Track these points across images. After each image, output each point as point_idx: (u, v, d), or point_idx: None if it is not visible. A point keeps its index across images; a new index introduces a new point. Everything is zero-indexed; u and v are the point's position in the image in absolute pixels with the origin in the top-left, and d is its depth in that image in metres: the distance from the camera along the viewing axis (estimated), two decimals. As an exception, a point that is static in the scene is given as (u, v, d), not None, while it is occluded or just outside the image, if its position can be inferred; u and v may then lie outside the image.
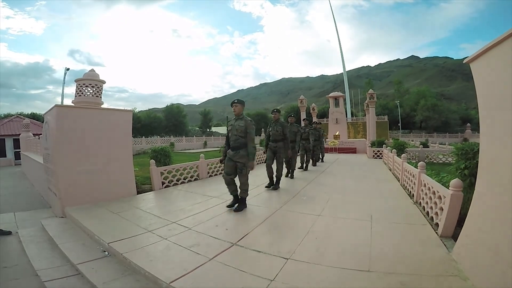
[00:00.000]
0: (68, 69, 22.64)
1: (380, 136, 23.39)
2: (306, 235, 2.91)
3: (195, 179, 6.82)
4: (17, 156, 14.83)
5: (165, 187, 6.00)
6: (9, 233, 3.58)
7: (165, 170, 6.13)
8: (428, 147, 13.93)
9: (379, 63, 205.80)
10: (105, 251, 2.79)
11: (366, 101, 22.47)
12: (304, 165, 8.07)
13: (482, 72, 2.15)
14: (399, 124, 40.47)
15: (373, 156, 12.22)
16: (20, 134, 13.71)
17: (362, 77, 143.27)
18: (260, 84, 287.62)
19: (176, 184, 6.24)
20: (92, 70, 5.14)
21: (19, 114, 24.27)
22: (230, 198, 4.57)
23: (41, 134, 7.30)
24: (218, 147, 24.05)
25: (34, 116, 28.81)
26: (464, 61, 2.34)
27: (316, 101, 45.01)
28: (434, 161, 11.13)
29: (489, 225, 1.95)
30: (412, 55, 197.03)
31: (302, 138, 7.60)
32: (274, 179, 5.49)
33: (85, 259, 2.57)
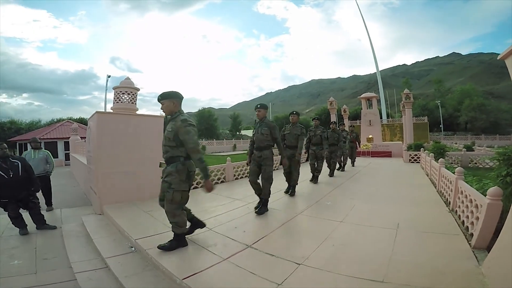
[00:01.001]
0: (109, 76, 24.79)
1: (419, 139, 21.87)
2: (323, 242, 2.85)
3: (222, 182, 7.04)
4: (67, 157, 16.44)
5: (193, 189, 6.25)
6: (54, 227, 4.02)
7: (195, 172, 6.38)
8: (473, 150, 12.69)
9: (416, 61, 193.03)
10: (132, 247, 3.02)
11: (402, 102, 21.19)
12: (315, 174, 6.49)
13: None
14: (441, 126, 37.42)
15: (410, 160, 11.44)
16: (69, 137, 15.22)
17: (398, 76, 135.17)
18: (289, 86, 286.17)
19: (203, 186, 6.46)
20: (128, 78, 5.56)
21: (69, 119, 27.01)
22: (253, 201, 4.65)
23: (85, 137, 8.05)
24: (247, 150, 24.35)
25: (81, 121, 31.67)
26: (498, 58, 2.13)
27: (348, 103, 43.45)
28: (480, 166, 10.13)
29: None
30: (453, 52, 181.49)
31: (312, 143, 6.47)
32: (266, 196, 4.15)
33: (114, 254, 2.81)
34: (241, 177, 7.64)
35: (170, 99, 2.76)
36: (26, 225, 3.82)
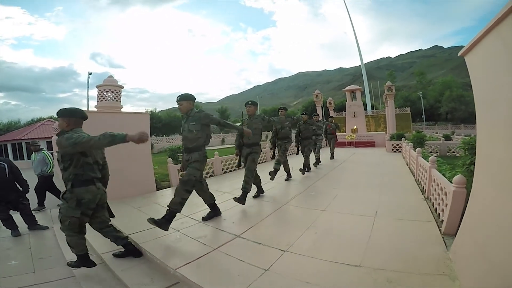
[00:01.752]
0: (91, 73, 24.04)
1: (402, 129, 22.62)
2: (306, 230, 3.05)
3: (210, 176, 7.16)
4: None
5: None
6: (46, 227, 4.03)
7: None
8: (451, 139, 13.32)
9: (400, 54, 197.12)
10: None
11: (384, 94, 21.80)
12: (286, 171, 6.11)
13: (476, 65, 2.07)
14: (423, 116, 38.68)
15: (392, 150, 11.89)
16: (51, 136, 14.74)
17: (383, 69, 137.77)
18: (276, 79, 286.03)
19: (191, 180, 6.57)
20: (111, 76, 5.52)
21: (50, 118, 25.99)
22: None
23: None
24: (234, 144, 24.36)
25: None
26: (458, 54, 2.25)
27: (334, 95, 44.01)
28: (457, 155, 10.66)
29: (481, 224, 1.93)
30: (435, 45, 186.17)
31: (279, 137, 5.66)
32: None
33: (108, 249, 2.88)
34: (230, 171, 7.77)
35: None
36: (17, 227, 3.81)
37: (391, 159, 9.51)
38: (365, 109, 27.04)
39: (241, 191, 4.07)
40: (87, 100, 24.45)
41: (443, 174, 3.72)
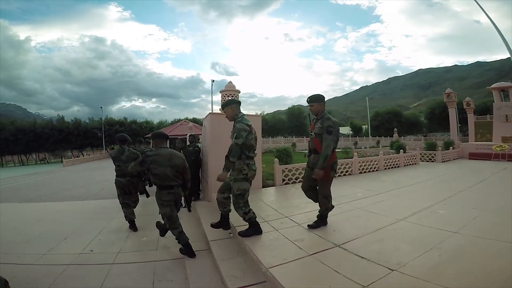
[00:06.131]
0: (213, 81, 28.96)
1: None
2: (428, 251, 2.50)
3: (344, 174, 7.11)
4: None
5: (284, 184, 6.54)
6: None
7: (286, 168, 6.68)
8: None
9: None
10: (231, 233, 3.41)
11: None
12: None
13: None
14: None
15: None
16: (186, 134, 18.53)
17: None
18: (389, 78, 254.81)
19: (294, 182, 6.69)
20: (230, 82, 6.31)
21: (185, 119, 32.74)
22: (345, 201, 4.48)
23: (199, 134, 9.56)
24: (339, 148, 23.21)
25: (194, 120, 37.71)
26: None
27: (472, 94, 34.63)
28: None
29: None
30: None
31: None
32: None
33: (216, 238, 3.24)
34: (333, 176, 7.43)
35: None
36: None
37: None
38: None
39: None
40: (211, 105, 29.35)
41: None
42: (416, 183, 6.35)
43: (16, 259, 3.10)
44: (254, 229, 3.05)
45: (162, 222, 3.28)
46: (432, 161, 11.72)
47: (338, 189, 5.61)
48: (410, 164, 10.52)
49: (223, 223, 3.27)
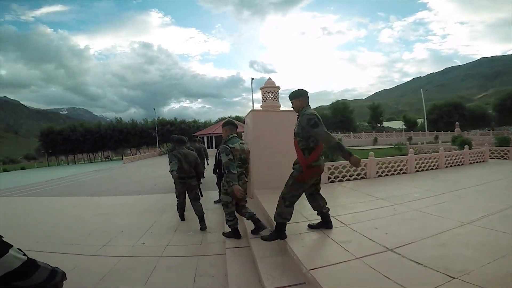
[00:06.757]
0: (253, 79, 29.41)
1: None
2: (498, 258, 2.11)
3: (362, 178, 6.61)
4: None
5: (330, 182, 6.24)
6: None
7: (332, 166, 6.36)
8: None
9: None
10: (270, 230, 3.34)
11: None
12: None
13: None
14: None
15: None
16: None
17: None
18: (446, 68, 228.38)
19: (341, 180, 6.34)
20: (270, 79, 6.19)
21: (229, 117, 34.11)
22: (401, 202, 4.09)
23: (243, 131, 9.71)
24: (391, 144, 21.52)
25: (237, 119, 38.80)
26: None
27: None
28: None
29: None
30: None
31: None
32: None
33: (256, 236, 3.19)
34: (386, 175, 6.87)
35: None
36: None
37: None
38: None
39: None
40: (252, 102, 29.88)
41: None
42: (485, 183, 5.48)
43: (80, 250, 3.48)
44: (234, 234, 3.39)
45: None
46: (505, 159, 10.05)
47: (391, 189, 5.20)
48: (476, 162, 9.18)
49: (256, 226, 3.31)
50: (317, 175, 2.79)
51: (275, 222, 2.83)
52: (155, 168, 16.57)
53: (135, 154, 39.45)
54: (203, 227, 4.10)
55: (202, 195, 4.47)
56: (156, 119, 44.66)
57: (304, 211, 3.81)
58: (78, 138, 41.01)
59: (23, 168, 36.53)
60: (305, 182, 2.69)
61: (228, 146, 3.12)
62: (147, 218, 4.92)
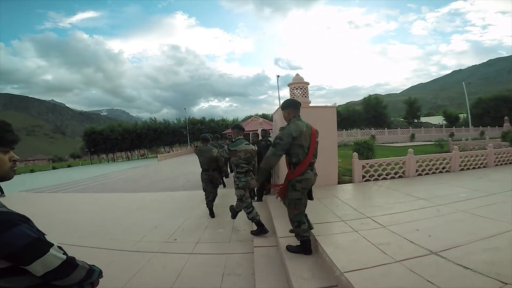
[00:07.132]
0: (279, 76, 29.01)
1: None
2: None
3: (400, 176, 6.20)
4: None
5: (365, 181, 5.96)
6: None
7: (367, 164, 6.08)
8: None
9: None
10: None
11: None
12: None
13: None
14: None
15: None
16: (257, 129, 19.17)
17: None
18: (490, 60, 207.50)
19: (376, 179, 6.03)
20: (298, 75, 6.04)
21: (256, 115, 34.05)
22: (444, 203, 3.76)
23: (270, 128, 9.69)
24: (430, 141, 20.03)
25: (264, 116, 38.77)
26: None
27: None
28: None
29: None
30: None
31: None
32: None
33: (285, 235, 3.08)
34: (426, 173, 6.38)
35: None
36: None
37: None
38: None
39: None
40: (279, 100, 29.62)
41: None
42: (545, 183, 4.85)
43: (117, 245, 3.68)
44: (260, 228, 3.52)
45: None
46: None
47: (433, 188, 4.82)
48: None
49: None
50: (308, 188, 2.64)
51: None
52: (187, 166, 17.18)
53: (168, 152, 41.31)
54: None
55: (225, 185, 4.58)
56: (187, 119, 46.36)
57: (337, 211, 3.69)
58: (116, 137, 43.96)
59: (69, 166, 40.05)
60: (299, 198, 2.55)
61: (229, 148, 3.54)
62: (179, 214, 5.08)
